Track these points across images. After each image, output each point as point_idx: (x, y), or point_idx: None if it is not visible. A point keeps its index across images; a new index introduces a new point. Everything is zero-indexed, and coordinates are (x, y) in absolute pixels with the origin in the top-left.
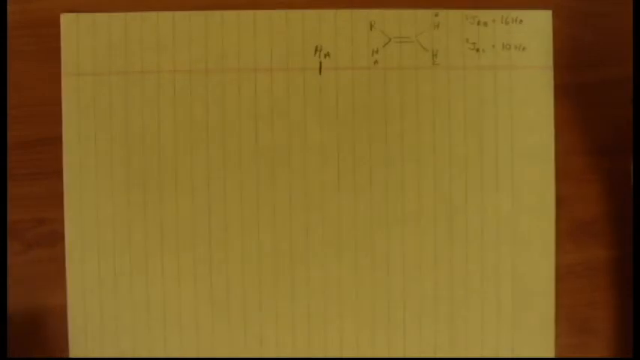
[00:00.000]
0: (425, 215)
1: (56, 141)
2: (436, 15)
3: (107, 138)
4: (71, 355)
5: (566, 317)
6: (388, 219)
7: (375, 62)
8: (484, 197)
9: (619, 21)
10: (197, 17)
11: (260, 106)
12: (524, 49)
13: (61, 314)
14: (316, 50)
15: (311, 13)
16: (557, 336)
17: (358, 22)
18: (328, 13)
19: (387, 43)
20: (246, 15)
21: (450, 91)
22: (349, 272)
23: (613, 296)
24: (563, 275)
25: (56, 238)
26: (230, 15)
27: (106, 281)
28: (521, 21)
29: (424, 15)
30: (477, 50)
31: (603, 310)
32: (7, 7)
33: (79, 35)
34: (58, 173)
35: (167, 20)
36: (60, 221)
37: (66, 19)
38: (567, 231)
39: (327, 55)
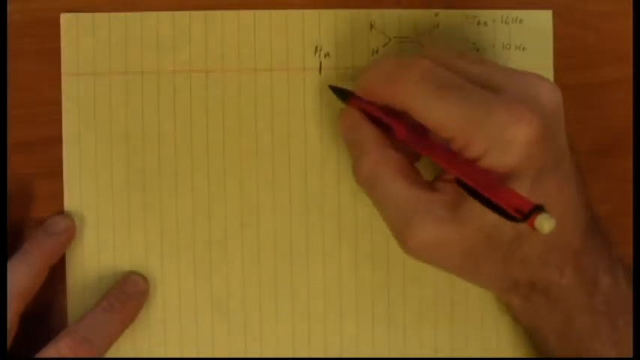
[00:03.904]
0: None
1: (56, 141)
2: (436, 15)
3: (107, 138)
4: None
5: None
6: None
7: None
8: None
9: (619, 21)
10: (197, 17)
11: (260, 106)
12: (524, 49)
13: (61, 314)
14: (316, 50)
15: (311, 13)
16: None
17: (358, 22)
18: (328, 13)
19: (387, 43)
20: (246, 15)
21: None
22: (349, 272)
23: None
24: None
25: None
26: (230, 15)
27: (106, 281)
28: (521, 21)
29: (424, 15)
30: (477, 50)
31: None
32: (7, 7)
33: (79, 35)
34: (58, 173)
35: (167, 20)
36: None
37: (66, 19)
38: None
39: (327, 55)
